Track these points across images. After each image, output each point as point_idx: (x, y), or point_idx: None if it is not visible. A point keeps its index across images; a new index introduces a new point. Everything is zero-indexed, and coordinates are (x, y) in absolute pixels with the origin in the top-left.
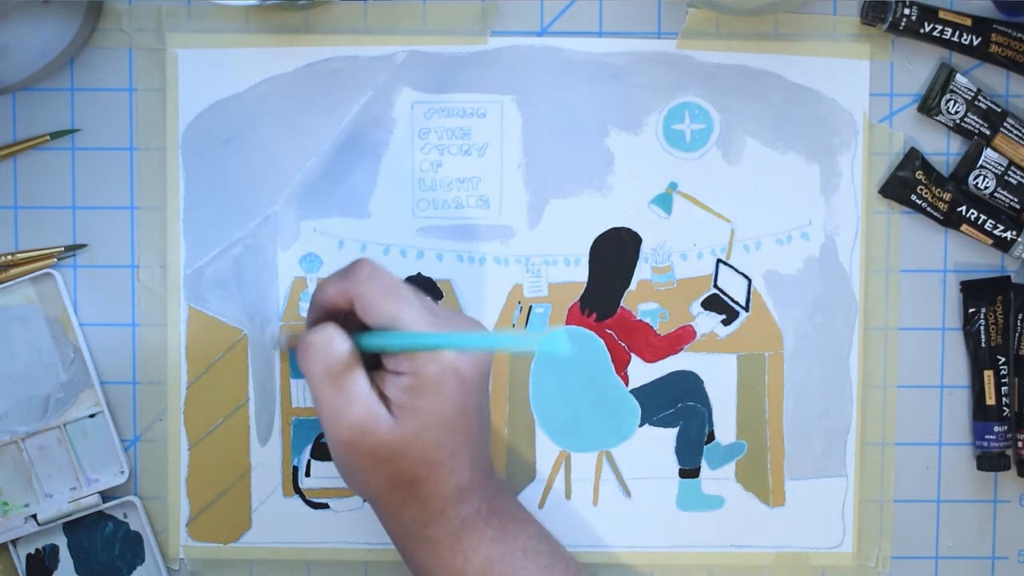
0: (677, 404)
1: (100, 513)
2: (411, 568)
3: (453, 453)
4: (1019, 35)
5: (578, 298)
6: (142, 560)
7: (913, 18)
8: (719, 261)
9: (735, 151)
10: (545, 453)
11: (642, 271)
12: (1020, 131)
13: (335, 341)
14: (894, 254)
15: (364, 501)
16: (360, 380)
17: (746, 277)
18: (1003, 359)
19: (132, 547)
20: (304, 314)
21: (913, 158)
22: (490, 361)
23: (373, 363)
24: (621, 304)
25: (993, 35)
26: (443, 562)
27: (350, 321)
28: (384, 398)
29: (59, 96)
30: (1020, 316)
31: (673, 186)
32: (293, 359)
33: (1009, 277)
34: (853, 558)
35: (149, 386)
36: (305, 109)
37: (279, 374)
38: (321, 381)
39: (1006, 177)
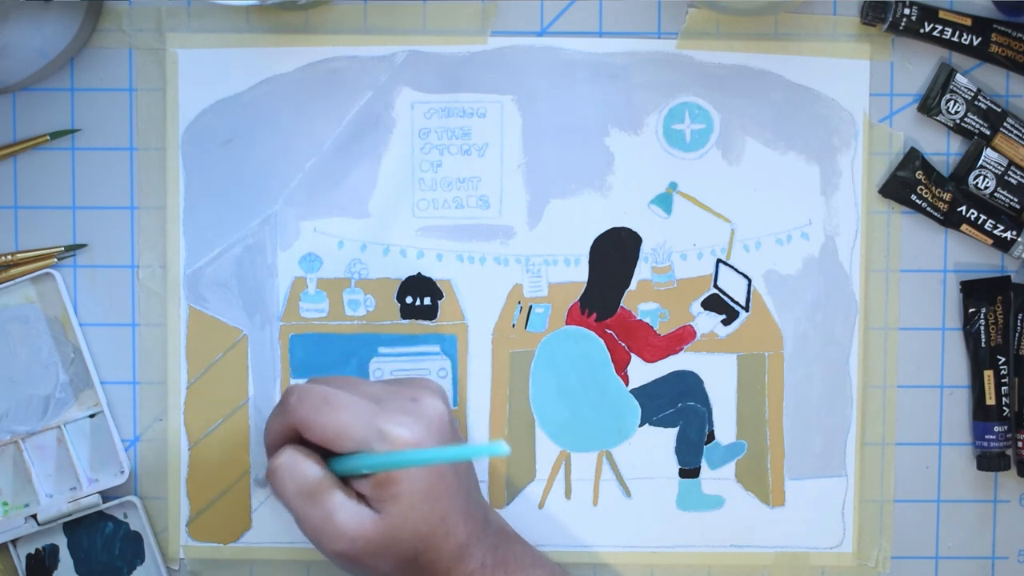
0: (677, 404)
1: (100, 513)
2: None
3: (443, 517)
4: (1019, 35)
5: (578, 298)
6: (142, 560)
7: (913, 18)
8: (719, 261)
9: (735, 151)
10: (545, 453)
11: (642, 271)
12: (1020, 131)
13: (299, 462)
14: (894, 254)
15: None
16: (335, 491)
17: (746, 277)
18: (1003, 359)
19: (132, 547)
20: (304, 314)
21: (913, 158)
22: (448, 416)
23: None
24: (621, 304)
25: (993, 35)
26: None
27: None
28: (359, 496)
29: (59, 96)
30: (1020, 316)
31: (673, 186)
32: (293, 357)
33: (1009, 277)
34: (853, 558)
35: (149, 386)
36: (305, 109)
37: (279, 374)
38: (297, 501)
39: (1006, 177)
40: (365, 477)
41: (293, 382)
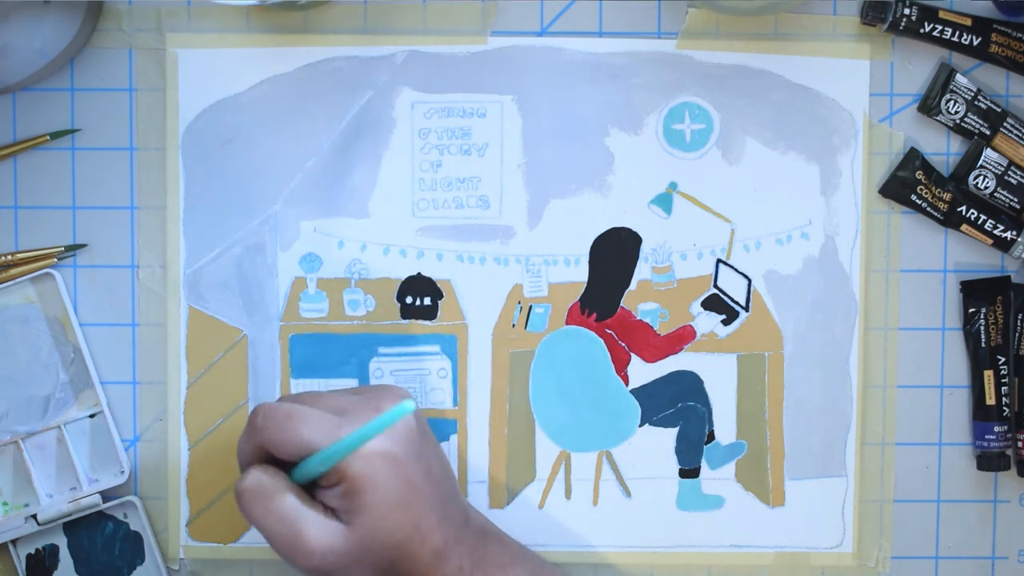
0: (677, 404)
1: (100, 513)
2: None
3: (416, 524)
4: (1019, 35)
5: (578, 298)
6: (142, 560)
7: (913, 18)
8: (719, 261)
9: (735, 151)
10: (545, 453)
11: (642, 271)
12: (1020, 131)
13: (264, 482)
14: (894, 254)
15: None
16: (302, 508)
17: (746, 277)
18: (1003, 359)
19: (132, 547)
20: (304, 314)
21: (913, 158)
22: (416, 421)
23: (309, 485)
24: (621, 304)
25: (993, 35)
26: None
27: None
28: (330, 510)
29: (59, 96)
30: (1020, 316)
31: (673, 186)
32: (293, 357)
33: (1009, 277)
34: (853, 558)
35: (149, 386)
36: (305, 109)
37: (279, 374)
38: (266, 521)
39: (1006, 177)
40: (333, 489)
41: (293, 382)
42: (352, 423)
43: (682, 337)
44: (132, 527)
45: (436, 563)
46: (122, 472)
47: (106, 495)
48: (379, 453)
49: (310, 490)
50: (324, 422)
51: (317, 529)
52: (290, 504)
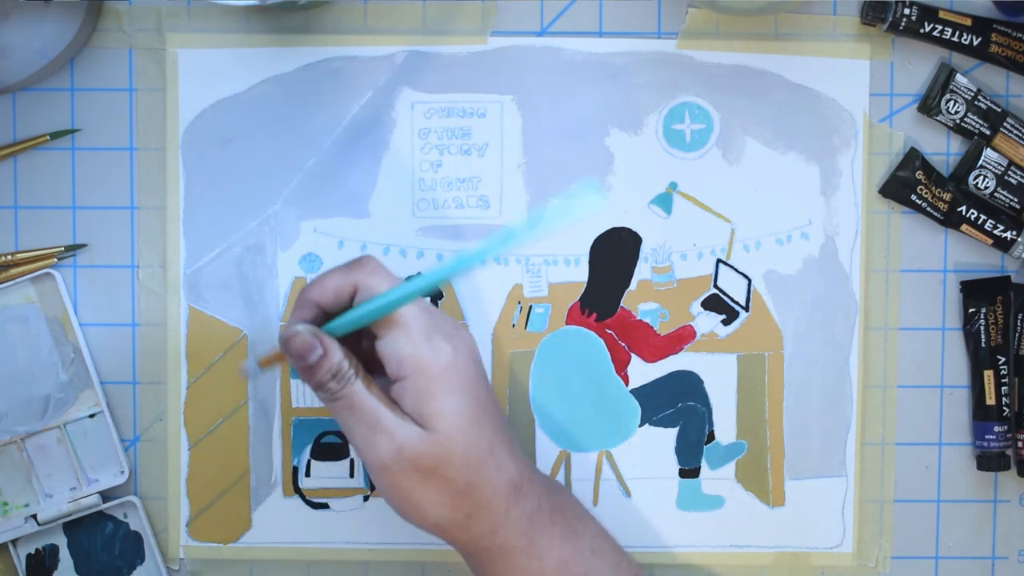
0: (677, 404)
1: (100, 513)
2: None
3: (491, 447)
4: (1019, 35)
5: (578, 298)
6: (142, 560)
7: (913, 18)
8: (719, 261)
9: (735, 151)
10: (545, 453)
11: (642, 271)
12: (1020, 131)
13: (343, 365)
14: (894, 254)
15: (432, 532)
16: (382, 400)
17: (746, 277)
18: (1003, 359)
19: (132, 547)
20: None
21: (913, 158)
22: (477, 353)
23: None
24: (621, 304)
25: (993, 35)
26: (519, 570)
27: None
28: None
29: (59, 96)
30: (1020, 316)
31: (673, 186)
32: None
33: (1009, 277)
34: (853, 558)
35: (149, 386)
36: (305, 109)
37: (279, 374)
38: (351, 419)
39: (1006, 177)
40: (404, 384)
41: (293, 382)
42: (439, 323)
43: (682, 337)
44: (132, 527)
45: (515, 496)
46: (122, 472)
47: (106, 495)
48: (457, 364)
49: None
50: (420, 305)
51: (399, 421)
52: (365, 396)
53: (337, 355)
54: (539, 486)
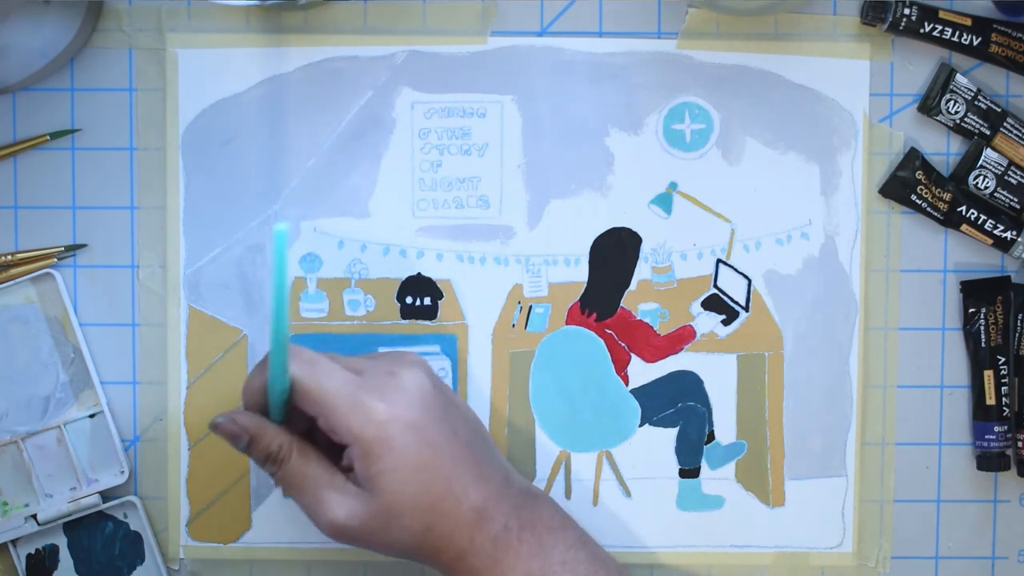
0: (677, 404)
1: (100, 513)
2: None
3: (448, 485)
4: (1019, 35)
5: (578, 298)
6: (142, 560)
7: (913, 18)
8: (719, 261)
9: (735, 151)
10: (545, 453)
11: (642, 271)
12: (1020, 131)
13: (283, 443)
14: (894, 254)
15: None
16: (323, 474)
17: (746, 277)
18: (1003, 359)
19: (132, 547)
20: (305, 314)
21: (913, 158)
22: (432, 385)
23: (333, 456)
24: (621, 304)
25: (993, 35)
26: None
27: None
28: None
29: (59, 96)
30: (1020, 316)
31: (673, 186)
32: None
33: (1009, 277)
34: (853, 558)
35: (149, 386)
36: (305, 109)
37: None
38: (294, 494)
39: (1006, 177)
40: (347, 450)
41: None
42: (368, 388)
43: (682, 337)
44: (132, 527)
45: (479, 522)
46: (122, 472)
47: (106, 495)
48: (392, 419)
49: (333, 457)
50: (346, 379)
51: (339, 494)
52: (310, 474)
53: (265, 439)
54: (507, 505)
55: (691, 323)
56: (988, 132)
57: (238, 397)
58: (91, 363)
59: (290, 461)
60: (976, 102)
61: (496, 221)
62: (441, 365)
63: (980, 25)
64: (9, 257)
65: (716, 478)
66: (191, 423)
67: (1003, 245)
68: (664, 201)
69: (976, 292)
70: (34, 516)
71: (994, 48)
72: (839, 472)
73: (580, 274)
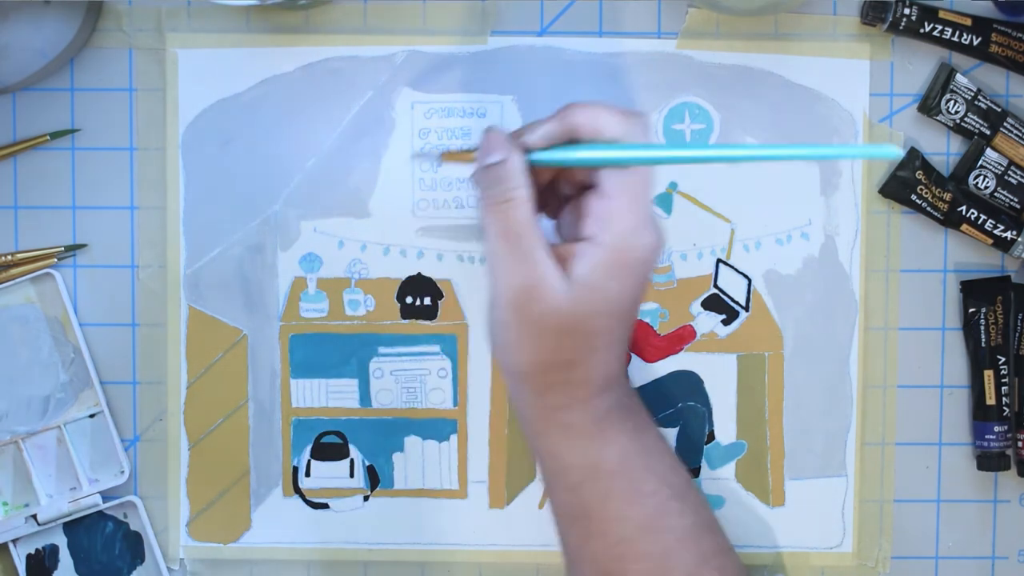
0: (677, 404)
1: (100, 513)
2: (535, 450)
3: (611, 343)
4: (1019, 35)
5: None
6: (142, 560)
7: (913, 18)
8: (719, 261)
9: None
10: None
11: None
12: (1020, 131)
13: (521, 197)
14: (894, 254)
15: (508, 376)
16: (542, 242)
17: (746, 277)
18: (1003, 359)
19: (132, 547)
20: (304, 314)
21: (913, 158)
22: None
23: (569, 234)
24: None
25: (993, 35)
26: (577, 449)
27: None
28: (566, 269)
29: (59, 96)
30: (1020, 316)
31: (673, 186)
32: (293, 357)
33: (1009, 277)
34: (853, 558)
35: (149, 386)
36: (305, 109)
37: (279, 374)
38: (500, 239)
39: (1006, 177)
40: (595, 249)
41: (293, 382)
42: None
43: (682, 337)
44: (132, 527)
45: (603, 388)
46: (122, 472)
47: (106, 495)
48: (643, 258)
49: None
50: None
51: (543, 271)
52: (532, 232)
53: (518, 164)
54: (624, 385)
55: (691, 323)
56: (988, 132)
57: (238, 397)
58: (91, 363)
59: (526, 202)
60: (976, 102)
61: None
62: (441, 365)
63: (980, 25)
64: (9, 257)
65: (716, 478)
66: (191, 423)
67: (1003, 245)
68: (664, 201)
69: (976, 292)
70: (34, 516)
71: (994, 48)
72: (839, 472)
73: None
